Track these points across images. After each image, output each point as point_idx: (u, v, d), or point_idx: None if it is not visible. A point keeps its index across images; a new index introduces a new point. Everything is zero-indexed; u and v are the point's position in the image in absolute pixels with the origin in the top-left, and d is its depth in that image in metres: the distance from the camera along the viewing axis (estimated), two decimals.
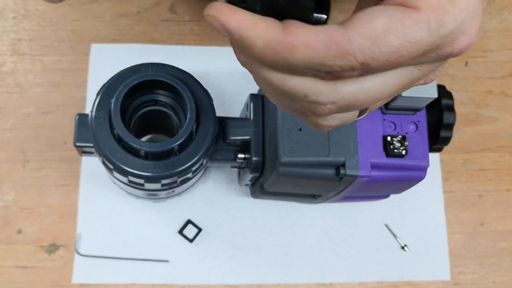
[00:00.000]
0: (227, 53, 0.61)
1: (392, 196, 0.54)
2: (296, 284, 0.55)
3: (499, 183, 0.60)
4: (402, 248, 0.57)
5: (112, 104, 0.43)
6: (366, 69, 0.22)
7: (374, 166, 0.43)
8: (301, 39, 0.21)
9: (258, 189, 0.51)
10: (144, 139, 0.55)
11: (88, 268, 0.54)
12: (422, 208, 0.58)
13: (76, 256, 0.54)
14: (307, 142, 0.42)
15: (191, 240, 0.55)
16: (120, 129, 0.42)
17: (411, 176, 0.44)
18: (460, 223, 0.58)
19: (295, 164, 0.43)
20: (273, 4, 0.22)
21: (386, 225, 0.57)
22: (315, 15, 0.23)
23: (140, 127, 0.51)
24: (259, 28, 0.21)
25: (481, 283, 0.57)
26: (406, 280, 0.56)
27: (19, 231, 0.55)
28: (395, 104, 0.44)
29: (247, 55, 0.23)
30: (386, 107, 0.46)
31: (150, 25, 0.61)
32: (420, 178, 0.45)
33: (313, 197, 0.52)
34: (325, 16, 0.23)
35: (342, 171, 0.42)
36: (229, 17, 0.21)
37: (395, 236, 0.57)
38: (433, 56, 0.24)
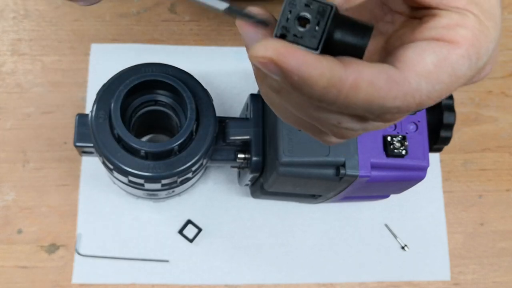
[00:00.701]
0: (227, 53, 0.61)
1: (392, 196, 0.54)
2: (296, 284, 0.55)
3: (499, 183, 0.60)
4: (402, 248, 0.57)
5: (112, 104, 0.43)
6: (418, 109, 0.22)
7: (374, 166, 0.43)
8: (365, 77, 0.20)
9: (258, 189, 0.51)
10: (144, 139, 0.55)
11: (88, 268, 0.54)
12: (422, 208, 0.58)
13: (76, 256, 0.54)
14: (307, 142, 0.42)
15: (191, 240, 0.55)
16: (120, 129, 0.42)
17: (411, 176, 0.44)
18: (460, 223, 0.58)
19: (295, 164, 0.43)
20: (328, 39, 0.21)
21: (386, 225, 0.57)
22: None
23: (140, 127, 0.51)
24: (322, 66, 0.20)
25: (481, 283, 0.57)
26: (406, 280, 0.56)
27: (19, 231, 0.55)
28: None
29: (301, 93, 0.21)
30: None
31: (150, 25, 0.61)
32: (420, 178, 0.45)
33: (313, 197, 0.52)
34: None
35: (342, 171, 0.42)
36: (288, 56, 0.19)
37: (395, 236, 0.57)
38: (466, 84, 0.24)
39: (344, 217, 0.57)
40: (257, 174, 0.48)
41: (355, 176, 0.42)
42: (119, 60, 0.57)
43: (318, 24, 0.20)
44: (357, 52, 0.21)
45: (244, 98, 0.52)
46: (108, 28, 0.61)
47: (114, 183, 0.52)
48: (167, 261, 0.55)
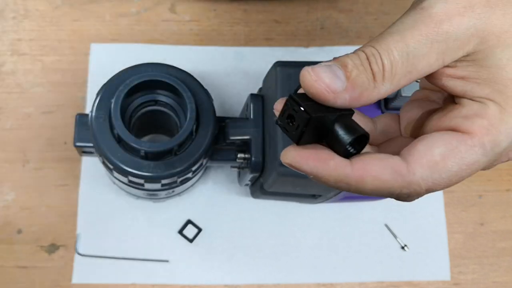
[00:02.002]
0: (227, 53, 0.61)
1: None
2: (296, 284, 0.55)
3: (499, 183, 0.60)
4: (402, 248, 0.57)
5: (112, 104, 0.43)
6: (430, 192, 0.25)
7: None
8: (370, 172, 0.24)
9: (258, 189, 0.51)
10: (144, 139, 0.55)
11: (88, 268, 0.54)
12: (422, 208, 0.58)
13: (76, 256, 0.54)
14: None
15: (191, 240, 0.55)
16: (120, 129, 0.42)
17: None
18: (460, 223, 0.58)
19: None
20: (318, 129, 0.24)
21: (386, 225, 0.57)
22: (348, 148, 0.24)
23: (140, 127, 0.51)
24: (329, 168, 0.24)
25: (481, 283, 0.57)
26: (406, 280, 0.56)
27: (19, 231, 0.55)
28: (395, 103, 0.44)
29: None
30: (386, 107, 0.46)
31: (150, 25, 0.61)
32: None
33: (313, 197, 0.52)
34: (355, 152, 0.25)
35: None
36: (302, 162, 0.24)
37: (395, 236, 0.57)
38: (488, 167, 0.26)
39: (344, 217, 0.57)
40: (257, 174, 0.48)
41: None
42: (119, 60, 0.57)
43: (297, 127, 0.24)
44: (341, 146, 0.25)
45: (244, 98, 0.52)
46: (108, 28, 0.61)
47: (114, 183, 0.52)
48: (167, 261, 0.55)
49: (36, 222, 0.55)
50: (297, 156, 0.24)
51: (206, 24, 0.62)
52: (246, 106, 0.49)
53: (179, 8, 0.62)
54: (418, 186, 0.24)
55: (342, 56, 0.24)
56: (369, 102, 0.24)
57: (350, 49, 0.66)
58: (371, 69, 0.23)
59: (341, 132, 0.24)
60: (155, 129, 0.55)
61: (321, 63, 0.24)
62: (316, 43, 0.61)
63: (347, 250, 0.56)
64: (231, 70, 0.60)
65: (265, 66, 0.47)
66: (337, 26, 0.62)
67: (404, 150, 0.25)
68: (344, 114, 0.24)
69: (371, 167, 0.24)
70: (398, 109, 0.44)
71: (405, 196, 0.25)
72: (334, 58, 0.24)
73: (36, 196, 0.56)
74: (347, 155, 0.25)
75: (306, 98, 0.24)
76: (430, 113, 0.27)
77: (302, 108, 0.23)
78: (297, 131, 0.24)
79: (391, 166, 0.24)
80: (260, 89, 0.49)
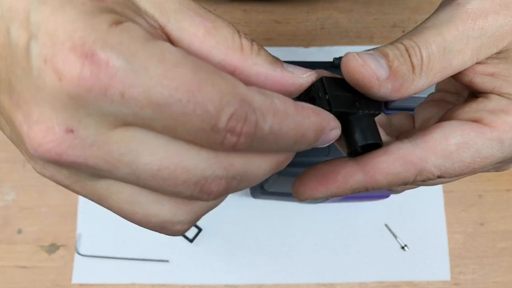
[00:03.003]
0: None
1: (392, 196, 0.54)
2: (296, 284, 0.55)
3: (499, 183, 0.60)
4: (402, 248, 0.57)
5: None
6: (442, 178, 0.24)
7: None
8: (381, 171, 0.24)
9: (258, 189, 0.51)
10: None
11: (88, 268, 0.54)
12: (422, 208, 0.58)
13: (76, 256, 0.54)
14: None
15: (191, 240, 0.55)
16: None
17: None
18: (460, 223, 0.58)
19: (295, 164, 0.42)
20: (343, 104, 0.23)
21: (386, 225, 0.57)
22: (358, 149, 0.24)
23: None
24: (340, 184, 0.24)
25: (481, 283, 0.57)
26: (406, 280, 0.56)
27: (19, 231, 0.55)
28: (395, 103, 0.44)
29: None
30: (386, 107, 0.46)
31: None
32: None
33: None
34: (361, 153, 0.24)
35: None
36: (315, 193, 0.25)
37: (395, 236, 0.57)
38: (503, 164, 0.26)
39: (344, 217, 0.57)
40: None
41: None
42: None
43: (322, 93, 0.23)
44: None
45: None
46: None
47: None
48: (167, 261, 0.55)
49: (36, 222, 0.55)
50: (307, 190, 0.25)
51: None
52: None
53: None
54: (430, 173, 0.24)
55: (381, 46, 0.24)
56: (406, 95, 0.23)
57: (350, 49, 0.66)
58: (411, 61, 0.23)
59: (358, 133, 0.23)
60: None
61: (361, 52, 0.23)
62: (316, 43, 0.61)
63: (347, 250, 0.56)
64: None
65: None
66: (337, 26, 0.62)
67: (418, 135, 0.24)
68: (368, 114, 0.23)
69: (380, 164, 0.24)
70: (398, 109, 0.44)
71: (419, 182, 0.24)
72: (372, 49, 0.24)
73: (36, 196, 0.56)
74: (352, 153, 0.24)
75: (337, 86, 0.23)
76: (452, 108, 0.27)
77: (327, 97, 0.22)
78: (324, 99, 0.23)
79: (401, 157, 0.23)
80: None
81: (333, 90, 0.22)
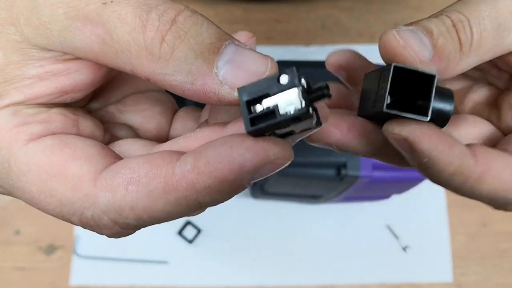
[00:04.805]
0: None
1: (394, 197, 0.53)
2: (296, 285, 0.55)
3: None
4: (404, 249, 0.56)
5: None
6: None
7: (375, 166, 0.42)
8: (493, 171, 0.20)
9: (259, 190, 0.50)
10: None
11: (86, 270, 0.54)
12: (424, 209, 0.58)
13: (74, 257, 0.54)
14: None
15: (190, 241, 0.55)
16: None
17: (413, 176, 0.44)
18: (463, 224, 0.58)
19: (295, 164, 0.42)
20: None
21: (388, 226, 0.57)
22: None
23: None
24: (453, 155, 0.20)
25: (483, 285, 0.56)
26: (408, 282, 0.56)
27: (17, 232, 0.54)
28: None
29: (426, 173, 0.21)
30: None
31: None
32: (421, 178, 0.44)
33: (314, 198, 0.51)
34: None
35: (343, 172, 0.41)
36: (424, 139, 0.20)
37: (396, 237, 0.57)
38: None
39: (345, 218, 0.57)
40: None
41: (357, 177, 0.42)
42: None
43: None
44: (445, 118, 0.22)
45: None
46: None
47: None
48: (166, 262, 0.54)
49: (34, 223, 0.55)
50: (417, 129, 0.20)
51: None
52: None
53: None
54: None
55: (423, 20, 0.21)
56: (450, 77, 0.21)
57: (351, 48, 0.65)
58: (459, 37, 0.20)
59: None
60: None
61: (401, 26, 0.21)
62: (317, 42, 0.61)
63: (348, 251, 0.56)
64: None
65: None
66: (338, 25, 0.62)
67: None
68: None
69: (495, 164, 0.20)
70: None
71: None
72: (413, 22, 0.21)
73: None
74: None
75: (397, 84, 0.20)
76: (505, 92, 0.24)
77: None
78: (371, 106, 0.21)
79: None
80: None
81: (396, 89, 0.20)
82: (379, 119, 0.21)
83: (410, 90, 0.20)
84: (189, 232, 0.55)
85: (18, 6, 0.19)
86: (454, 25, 0.20)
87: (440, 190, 0.58)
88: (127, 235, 0.20)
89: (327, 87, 0.18)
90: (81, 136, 0.21)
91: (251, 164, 0.17)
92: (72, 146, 0.19)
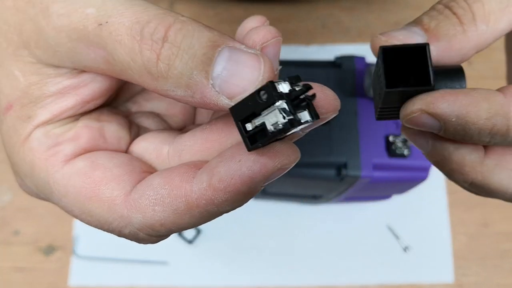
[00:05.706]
0: None
1: (395, 197, 0.53)
2: (296, 286, 0.55)
3: None
4: (405, 249, 0.56)
5: None
6: None
7: (376, 167, 0.42)
8: None
9: None
10: None
11: (86, 270, 0.53)
12: (425, 209, 0.57)
13: (74, 257, 0.54)
14: (308, 142, 0.42)
15: (190, 242, 0.55)
16: None
17: (414, 177, 0.44)
18: (464, 224, 0.57)
19: (296, 164, 0.42)
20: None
21: (389, 226, 0.57)
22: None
23: None
24: (473, 98, 0.19)
25: (484, 285, 0.56)
26: (409, 282, 0.55)
27: (16, 233, 0.54)
28: None
29: (469, 137, 0.20)
30: None
31: None
32: (422, 179, 0.44)
33: (314, 198, 0.51)
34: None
35: (343, 172, 0.41)
36: (438, 100, 0.19)
37: (397, 238, 0.56)
38: None
39: (345, 218, 0.57)
40: None
41: (357, 177, 0.42)
42: None
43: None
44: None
45: None
46: None
47: None
48: (165, 262, 0.54)
49: (34, 223, 0.54)
50: (428, 97, 0.19)
51: (205, 23, 0.61)
52: None
53: (179, 7, 0.61)
54: None
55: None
56: (465, 51, 0.20)
57: (351, 47, 0.65)
58: (454, 13, 0.20)
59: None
60: None
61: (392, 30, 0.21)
62: (317, 42, 0.61)
63: (349, 251, 0.56)
64: None
65: None
66: (338, 24, 0.61)
67: None
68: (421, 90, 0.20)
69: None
70: None
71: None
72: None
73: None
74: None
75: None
76: None
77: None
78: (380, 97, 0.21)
79: None
80: None
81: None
82: (392, 112, 0.21)
83: (411, 73, 0.20)
84: (189, 232, 0.55)
85: (26, 31, 0.20)
86: (446, 6, 0.20)
87: (441, 190, 0.58)
88: (165, 239, 0.22)
89: (309, 89, 0.18)
90: (108, 149, 0.22)
91: (260, 175, 0.20)
92: (101, 168, 0.21)
